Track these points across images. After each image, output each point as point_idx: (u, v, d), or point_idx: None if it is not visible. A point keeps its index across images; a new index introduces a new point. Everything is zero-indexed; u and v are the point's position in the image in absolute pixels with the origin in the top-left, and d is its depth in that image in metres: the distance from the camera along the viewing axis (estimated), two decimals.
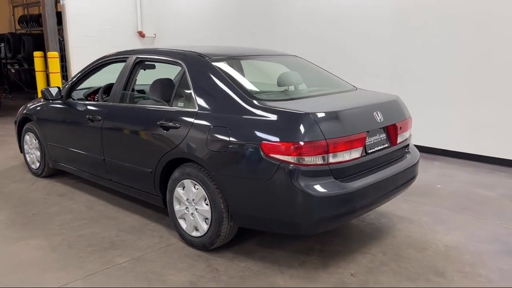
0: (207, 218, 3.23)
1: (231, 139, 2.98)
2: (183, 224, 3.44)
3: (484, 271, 3.09)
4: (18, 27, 14.85)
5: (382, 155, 3.29)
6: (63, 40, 9.76)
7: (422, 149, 6.25)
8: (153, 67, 4.16)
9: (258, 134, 2.89)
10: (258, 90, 3.44)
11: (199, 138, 3.17)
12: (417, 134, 6.46)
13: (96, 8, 9.76)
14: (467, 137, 5.95)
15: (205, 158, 3.11)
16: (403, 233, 3.70)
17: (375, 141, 3.23)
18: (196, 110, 3.27)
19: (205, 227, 3.25)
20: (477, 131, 5.84)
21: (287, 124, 2.84)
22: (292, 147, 2.74)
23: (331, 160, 2.85)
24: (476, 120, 5.84)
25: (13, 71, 12.93)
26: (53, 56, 8.55)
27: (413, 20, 6.26)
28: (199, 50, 3.67)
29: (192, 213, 3.34)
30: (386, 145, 3.35)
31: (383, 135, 3.33)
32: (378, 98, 3.60)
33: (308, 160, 2.76)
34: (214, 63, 3.40)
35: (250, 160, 2.91)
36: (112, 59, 4.21)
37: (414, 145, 6.43)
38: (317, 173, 2.80)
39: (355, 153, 3.00)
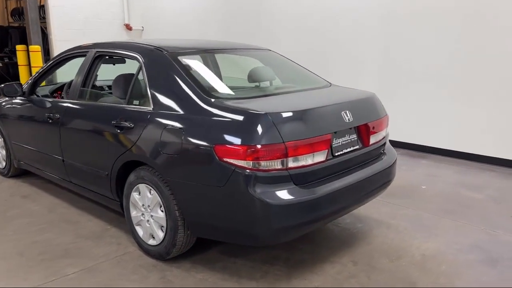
0: (162, 226, 2.99)
1: (185, 141, 2.74)
2: (139, 231, 3.21)
3: (460, 283, 2.85)
4: (11, 20, 14.60)
5: (352, 158, 3.05)
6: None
7: (411, 146, 6.02)
8: (122, 61, 3.91)
9: (212, 136, 2.65)
10: (220, 87, 3.19)
11: (152, 140, 2.92)
12: (406, 131, 6.22)
13: (81, 0, 9.49)
14: (458, 135, 5.69)
15: (159, 162, 2.87)
16: (379, 240, 3.46)
17: (344, 142, 2.98)
18: (150, 109, 3.02)
19: (161, 235, 3.02)
20: (468, 128, 5.58)
21: (242, 125, 2.59)
22: (247, 150, 2.49)
23: (291, 164, 2.60)
24: (467, 117, 5.57)
25: (0, 65, 12.68)
26: (35, 49, 8.31)
27: (402, 14, 5.97)
28: (161, 43, 3.41)
29: (148, 220, 3.11)
30: (357, 146, 3.10)
31: (354, 136, 3.07)
32: (350, 95, 3.34)
33: (265, 165, 2.51)
34: (173, 58, 3.13)
35: (203, 164, 2.67)
36: (74, 53, 3.97)
37: (403, 142, 6.24)
38: (275, 179, 2.56)
39: (319, 157, 2.75)
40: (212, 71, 3.57)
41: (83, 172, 3.61)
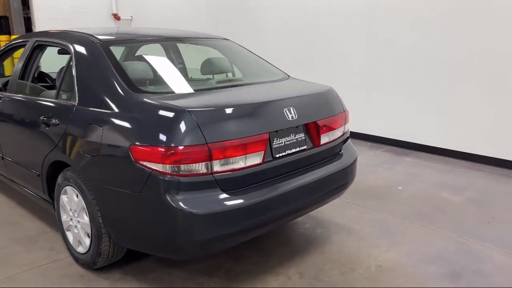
0: (88, 233, 2.72)
1: (103, 140, 2.46)
2: (69, 237, 2.96)
3: None
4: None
5: (299, 159, 2.74)
6: None
7: (396, 143, 5.69)
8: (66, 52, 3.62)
9: (129, 135, 2.37)
10: (155, 80, 2.89)
11: (74, 138, 2.66)
12: (391, 127, 5.87)
13: None
14: (446, 131, 5.34)
15: (79, 163, 2.61)
16: (335, 248, 3.16)
17: (288, 142, 2.67)
18: (75, 103, 2.74)
19: (87, 243, 2.76)
20: (457, 125, 5.22)
21: (159, 124, 2.30)
22: (164, 153, 2.20)
23: (217, 168, 2.30)
24: (456, 113, 5.20)
25: None
26: None
27: (387, 9, 5.61)
28: (98, 31, 3.12)
29: (75, 226, 2.84)
30: (305, 146, 2.79)
31: (301, 135, 2.76)
32: (300, 90, 3.04)
33: (185, 169, 2.22)
34: (104, 48, 2.84)
35: (120, 167, 2.39)
36: (15, 43, 3.70)
37: (389, 138, 5.88)
38: (197, 185, 2.27)
39: (254, 159, 2.45)
40: (156, 63, 3.25)
41: (20, 171, 3.36)
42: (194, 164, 2.23)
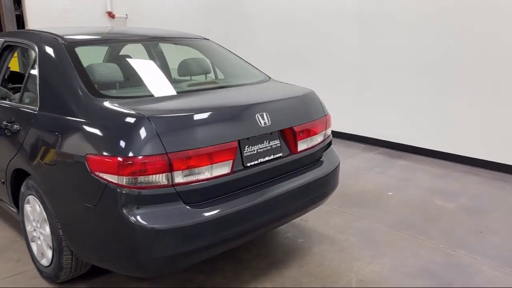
0: (50, 246, 2.57)
1: (60, 148, 2.30)
2: (34, 248, 2.80)
3: None
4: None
5: (273, 167, 2.57)
6: None
7: (391, 145, 5.51)
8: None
9: (85, 143, 2.21)
10: (123, 84, 2.72)
11: (33, 146, 2.51)
12: (386, 129, 5.68)
13: None
14: (443, 134, 5.14)
15: (38, 172, 2.45)
16: (315, 260, 2.99)
17: (261, 150, 2.50)
18: (36, 108, 2.58)
19: (50, 255, 2.60)
20: (454, 127, 5.02)
21: (116, 131, 2.14)
22: (120, 163, 2.03)
23: (179, 180, 2.14)
24: (453, 115, 5.01)
25: None
26: None
27: (381, 8, 5.41)
28: (67, 31, 2.96)
29: (39, 237, 2.69)
30: (280, 154, 2.62)
31: (276, 142, 2.59)
32: (277, 94, 2.87)
33: (143, 181, 2.06)
34: (68, 49, 2.67)
35: (76, 178, 2.23)
36: None
37: (383, 141, 5.67)
38: (157, 198, 2.11)
39: (222, 169, 2.28)
40: (128, 65, 3.08)
41: None
42: (152, 176, 2.07)
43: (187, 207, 2.17)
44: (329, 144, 3.11)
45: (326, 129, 2.97)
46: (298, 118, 2.71)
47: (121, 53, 3.39)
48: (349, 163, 5.12)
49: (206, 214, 2.20)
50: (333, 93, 6.14)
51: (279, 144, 2.62)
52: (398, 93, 5.44)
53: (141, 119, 2.10)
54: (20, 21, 9.01)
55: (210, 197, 2.28)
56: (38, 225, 2.66)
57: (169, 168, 2.09)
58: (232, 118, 2.39)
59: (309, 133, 2.78)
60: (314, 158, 2.89)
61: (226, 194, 2.35)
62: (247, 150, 2.42)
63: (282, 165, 2.64)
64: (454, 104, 4.95)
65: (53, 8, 9.09)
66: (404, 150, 5.53)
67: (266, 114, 2.51)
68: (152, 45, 3.55)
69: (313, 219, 3.60)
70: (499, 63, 4.52)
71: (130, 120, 2.12)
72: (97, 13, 9.80)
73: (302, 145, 2.75)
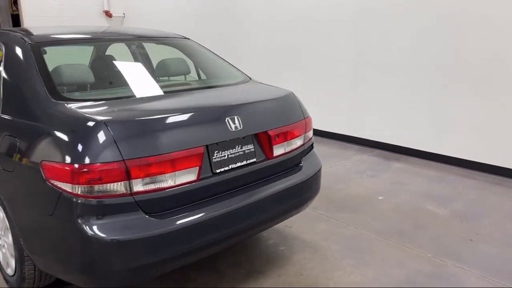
0: (13, 254, 2.46)
1: (18, 154, 2.19)
2: (0, 256, 2.69)
3: None
4: (14, 8, 14.27)
5: (246, 174, 2.44)
6: None
7: (387, 147, 5.37)
8: None
9: (41, 149, 2.09)
10: (91, 85, 2.60)
11: None
12: (381, 130, 5.52)
13: None
14: (440, 136, 4.98)
15: None
16: (294, 270, 2.86)
17: (232, 156, 2.37)
18: None
19: (13, 265, 2.49)
20: (450, 129, 4.85)
21: (71, 137, 2.02)
22: (74, 171, 1.92)
23: (139, 188, 2.02)
24: (449, 117, 4.85)
25: None
26: None
27: (376, 8, 5.25)
28: (43, 31, 2.87)
29: (3, 245, 2.58)
30: (254, 159, 2.48)
31: (250, 147, 2.46)
32: (252, 96, 2.75)
33: (99, 189, 1.94)
34: (34, 49, 2.56)
35: (33, 185, 2.13)
36: None
37: (379, 142, 5.48)
38: (115, 208, 1.99)
39: (187, 176, 2.16)
40: (99, 65, 2.97)
41: None
42: (108, 184, 1.95)
43: (148, 217, 2.04)
44: (310, 147, 2.97)
45: (306, 133, 2.84)
46: (273, 122, 2.58)
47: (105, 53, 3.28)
48: (342, 165, 4.97)
49: (169, 224, 2.08)
50: (327, 93, 6.01)
51: (253, 149, 2.49)
52: (394, 94, 5.28)
53: (97, 124, 1.98)
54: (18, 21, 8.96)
55: (175, 206, 2.16)
56: (2, 233, 2.55)
57: (127, 176, 1.97)
58: (199, 122, 2.27)
59: (286, 137, 2.65)
60: (292, 163, 2.75)
61: (192, 202, 2.22)
62: (216, 155, 2.29)
63: (256, 171, 2.51)
64: (451, 105, 4.79)
65: (49, 7, 9.03)
66: (400, 152, 5.38)
67: (237, 118, 2.38)
68: (132, 44, 3.43)
69: (297, 225, 3.47)
70: (498, 64, 4.36)
71: (85, 125, 2.00)
72: (94, 12, 9.74)
73: (278, 150, 2.62)
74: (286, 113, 2.71)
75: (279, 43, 6.51)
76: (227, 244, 2.42)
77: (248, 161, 2.47)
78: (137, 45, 3.48)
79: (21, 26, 8.83)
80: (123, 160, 1.96)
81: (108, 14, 9.81)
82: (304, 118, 2.82)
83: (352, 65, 5.66)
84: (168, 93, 2.64)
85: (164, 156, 2.07)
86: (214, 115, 2.33)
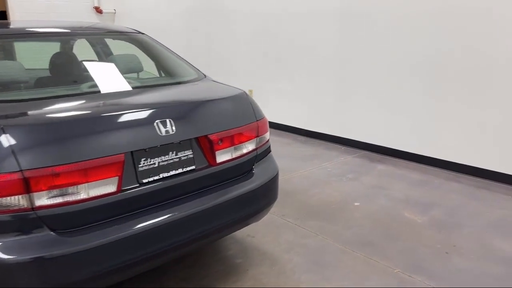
0: None
1: None
2: None
3: None
4: None
5: (183, 183, 2.19)
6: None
7: (372, 148, 5.10)
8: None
9: None
10: (13, 85, 2.36)
11: None
12: (367, 130, 5.24)
13: None
14: (425, 137, 4.69)
15: None
16: (246, 286, 2.60)
17: (165, 163, 2.13)
18: None
19: None
20: (438, 130, 4.57)
21: None
22: None
23: (43, 202, 1.78)
24: (437, 118, 4.56)
25: None
26: None
27: (360, 8, 4.96)
28: None
29: None
30: (193, 167, 2.24)
31: (188, 153, 2.22)
32: (195, 96, 2.50)
33: None
34: None
35: None
36: None
37: (364, 142, 5.17)
38: (13, 225, 1.76)
39: (104, 188, 1.92)
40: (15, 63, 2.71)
41: None
42: (5, 198, 1.71)
43: (54, 234, 1.81)
44: (266, 152, 2.72)
45: (259, 136, 2.58)
46: (217, 124, 2.34)
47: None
48: (322, 167, 4.71)
49: (79, 242, 1.84)
50: (313, 91, 5.74)
51: (191, 156, 2.24)
52: (381, 94, 5.00)
53: None
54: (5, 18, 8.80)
55: (90, 222, 1.92)
56: None
57: (27, 189, 1.73)
58: (122, 127, 2.02)
59: (233, 141, 2.40)
60: (241, 170, 2.50)
61: (112, 217, 1.97)
62: (143, 163, 2.05)
63: (196, 180, 2.26)
64: (439, 106, 4.50)
65: (37, 3, 8.84)
66: (386, 153, 5.09)
67: (170, 121, 2.13)
68: (85, 40, 3.20)
69: (261, 234, 3.22)
70: (486, 64, 4.06)
71: None
72: (84, 8, 9.54)
73: (223, 156, 2.37)
74: (234, 115, 2.46)
75: (265, 41, 6.25)
76: (160, 261, 2.18)
77: (185, 169, 2.22)
78: (92, 41, 3.24)
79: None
80: (21, 170, 1.72)
81: (98, 10, 9.61)
82: (257, 120, 2.56)
83: (338, 63, 5.38)
84: (97, 93, 2.39)
85: (75, 166, 1.83)
86: (141, 118, 2.08)
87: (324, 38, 5.44)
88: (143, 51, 3.15)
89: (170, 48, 3.17)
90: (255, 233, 3.24)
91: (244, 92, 2.62)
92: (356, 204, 3.78)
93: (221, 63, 7.03)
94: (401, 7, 4.57)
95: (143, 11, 8.98)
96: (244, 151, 2.50)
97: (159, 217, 2.08)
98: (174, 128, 2.14)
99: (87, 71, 2.67)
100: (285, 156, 5.10)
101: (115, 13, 9.84)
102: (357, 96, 5.25)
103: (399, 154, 4.96)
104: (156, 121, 2.10)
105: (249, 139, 2.51)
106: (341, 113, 5.48)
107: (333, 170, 4.65)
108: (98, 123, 1.98)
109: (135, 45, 3.20)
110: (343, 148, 5.44)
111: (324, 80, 5.56)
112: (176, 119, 2.16)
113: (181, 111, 2.24)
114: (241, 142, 2.46)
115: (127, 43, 3.24)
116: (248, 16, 6.41)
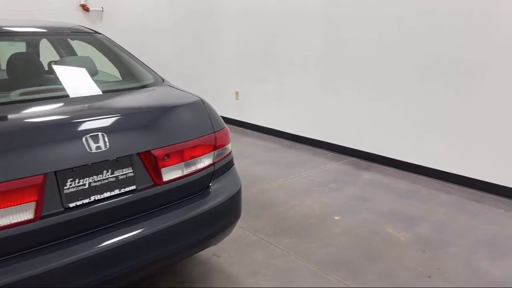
0: None
1: None
2: None
3: None
4: None
5: (120, 206, 1.91)
6: None
7: (360, 154, 4.80)
8: None
9: None
10: None
11: None
12: (354, 136, 4.97)
13: None
14: (416, 144, 4.40)
15: None
16: None
17: (97, 184, 1.85)
18: None
19: None
20: (429, 138, 4.28)
21: None
22: None
23: None
24: (426, 124, 4.27)
25: None
26: None
27: (348, 5, 4.67)
28: None
29: None
30: (133, 187, 1.95)
31: (127, 171, 1.94)
32: (140, 105, 2.21)
33: None
34: None
35: None
36: None
37: (353, 149, 4.84)
38: None
39: (19, 215, 1.65)
40: None
41: None
42: None
43: None
44: (228, 166, 2.43)
45: (217, 149, 2.29)
46: (163, 137, 2.06)
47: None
48: (305, 176, 4.43)
49: None
50: (300, 95, 5.46)
51: (132, 174, 1.96)
52: (369, 98, 4.71)
53: None
54: None
55: (1, 254, 1.63)
56: None
57: None
58: (42, 143, 1.74)
59: (183, 156, 2.11)
60: (195, 189, 2.23)
61: (31, 248, 1.70)
62: (70, 185, 1.77)
63: (136, 202, 1.99)
64: (429, 111, 4.20)
65: (20, 1, 8.57)
66: (374, 160, 4.81)
67: (102, 135, 1.85)
68: (36, 41, 2.92)
69: (228, 253, 2.95)
70: (479, 66, 3.77)
71: None
72: (69, 5, 9.27)
73: (171, 173, 2.09)
74: (187, 125, 2.19)
75: (251, 41, 5.97)
76: None
77: (124, 190, 1.94)
78: (53, 41, 2.97)
79: None
80: None
81: (85, 8, 9.34)
82: (215, 132, 2.28)
83: (325, 66, 5.09)
84: (25, 102, 2.09)
85: None
86: (66, 133, 1.80)
87: (311, 39, 5.15)
88: (102, 53, 2.88)
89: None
90: (222, 252, 2.97)
91: (200, 99, 2.34)
92: (336, 218, 3.50)
93: (208, 64, 6.77)
94: (391, 6, 4.28)
95: (131, 9, 8.72)
96: (199, 166, 2.22)
97: (90, 246, 1.80)
98: (107, 143, 1.86)
99: (32, 75, 2.39)
100: (268, 162, 4.83)
101: (102, 11, 9.57)
102: (344, 100, 4.97)
103: (387, 161, 4.67)
104: (86, 136, 1.82)
105: (204, 153, 2.23)
106: (328, 117, 5.20)
107: (317, 179, 4.36)
108: (13, 139, 1.70)
109: (95, 47, 2.92)
110: (330, 154, 5.15)
111: (311, 83, 5.28)
112: (111, 133, 1.88)
113: (118, 123, 1.96)
114: (194, 157, 2.18)
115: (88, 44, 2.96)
116: (235, 16, 6.13)
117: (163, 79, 2.67)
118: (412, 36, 4.17)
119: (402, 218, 3.48)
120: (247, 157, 5.05)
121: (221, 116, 2.40)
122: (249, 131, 6.20)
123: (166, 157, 2.05)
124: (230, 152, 2.48)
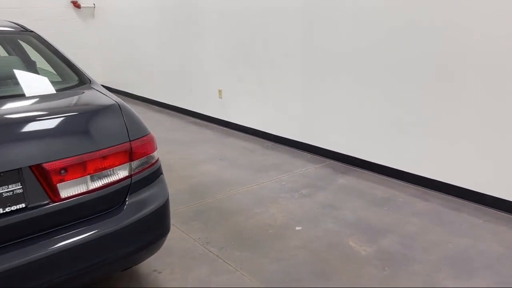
0: None
1: None
2: None
3: None
4: None
5: (5, 226, 1.69)
6: None
7: (340, 157, 4.54)
8: None
9: None
10: None
11: None
12: (333, 138, 4.69)
13: None
14: (396, 148, 4.12)
15: None
16: None
17: None
18: None
19: None
20: (409, 141, 3.99)
21: None
22: None
23: None
24: (407, 127, 3.98)
25: None
26: None
27: (328, 10, 4.39)
28: None
29: None
30: (23, 204, 1.74)
31: (15, 187, 1.75)
32: (38, 108, 2.00)
33: None
34: None
35: None
36: None
37: (333, 151, 4.58)
38: None
39: None
40: None
41: None
42: None
43: None
44: (152, 177, 2.20)
45: (134, 160, 2.06)
46: (60, 149, 1.84)
47: None
48: (277, 180, 4.18)
49: None
50: (282, 96, 5.21)
51: (20, 191, 1.74)
52: (349, 99, 4.44)
53: None
54: None
55: None
56: None
57: None
58: None
59: (85, 169, 1.88)
60: (105, 205, 2.00)
61: None
62: None
63: (27, 222, 1.77)
64: (410, 114, 3.91)
65: None
66: (353, 164, 4.54)
67: None
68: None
69: (171, 268, 2.74)
70: (465, 65, 3.47)
71: None
72: (60, 2, 9.14)
73: (72, 189, 1.88)
74: (93, 134, 1.96)
75: (230, 43, 5.72)
76: None
77: (10, 209, 1.72)
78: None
79: None
80: None
81: (76, 4, 9.19)
82: (131, 140, 2.04)
83: (304, 65, 4.82)
84: None
85: None
86: None
87: (290, 38, 4.89)
88: (37, 51, 2.68)
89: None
90: (165, 267, 2.76)
91: (116, 103, 2.11)
92: (297, 228, 3.25)
93: (194, 63, 6.55)
94: (370, 8, 3.99)
95: (122, 6, 8.54)
96: (110, 180, 1.99)
97: None
98: None
99: None
100: (242, 166, 4.59)
101: (94, 7, 9.42)
102: (324, 102, 4.70)
103: (367, 165, 4.40)
104: None
105: (116, 164, 2.00)
106: (308, 119, 4.93)
107: (288, 183, 4.11)
108: None
109: (30, 45, 2.72)
110: (309, 156, 4.89)
111: (291, 83, 5.02)
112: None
113: (4, 133, 1.74)
114: (103, 169, 1.96)
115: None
116: (219, 14, 5.89)
117: (90, 81, 2.45)
118: (392, 37, 3.87)
119: (369, 229, 3.22)
120: (222, 159, 4.82)
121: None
122: (233, 131, 5.96)
123: (63, 171, 1.82)
124: (157, 160, 2.25)
